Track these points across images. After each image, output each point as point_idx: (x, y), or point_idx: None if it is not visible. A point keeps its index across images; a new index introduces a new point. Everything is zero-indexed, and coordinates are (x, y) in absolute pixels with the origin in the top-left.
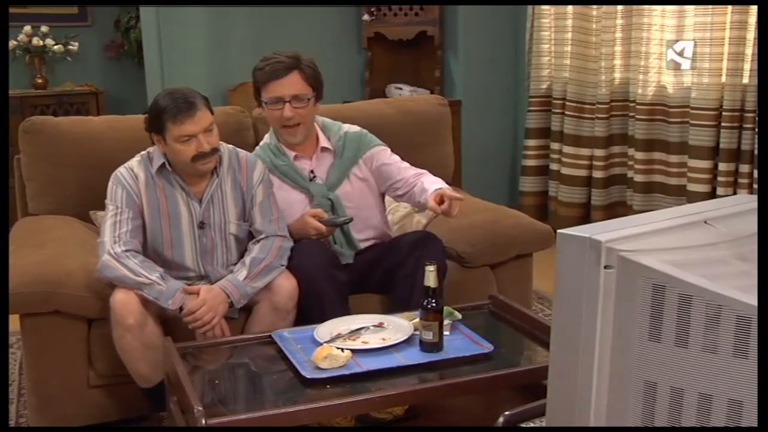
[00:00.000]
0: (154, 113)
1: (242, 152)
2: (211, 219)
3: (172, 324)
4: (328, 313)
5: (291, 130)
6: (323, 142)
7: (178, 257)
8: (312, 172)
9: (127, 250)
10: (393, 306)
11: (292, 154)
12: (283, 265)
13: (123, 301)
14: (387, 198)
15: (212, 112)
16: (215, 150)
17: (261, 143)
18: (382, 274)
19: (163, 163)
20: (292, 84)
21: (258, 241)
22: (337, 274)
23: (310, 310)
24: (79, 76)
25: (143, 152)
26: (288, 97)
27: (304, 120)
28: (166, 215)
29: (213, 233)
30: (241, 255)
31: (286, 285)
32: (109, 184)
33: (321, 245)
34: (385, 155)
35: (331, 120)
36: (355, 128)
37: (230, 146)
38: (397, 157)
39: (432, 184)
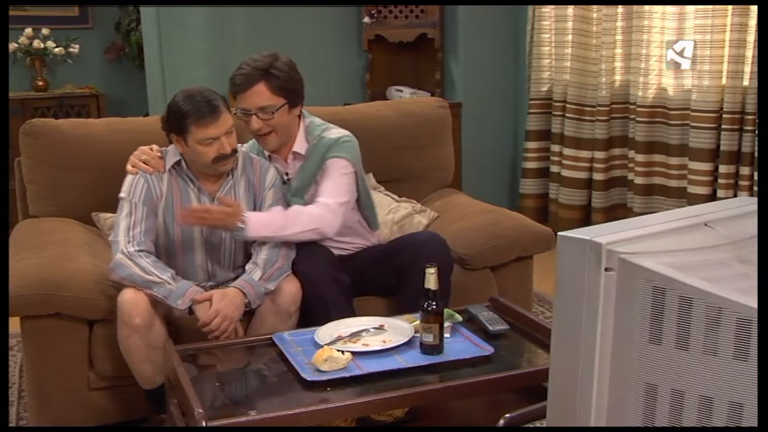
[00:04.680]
0: (176, 116)
1: (256, 157)
2: None
3: (178, 325)
4: (332, 317)
5: (263, 138)
6: (297, 145)
7: (188, 255)
8: (287, 174)
9: (140, 250)
10: (401, 309)
11: (267, 153)
12: (289, 269)
13: (131, 301)
14: (387, 198)
15: (230, 112)
16: (235, 151)
17: (248, 143)
18: (388, 275)
19: (179, 160)
20: (258, 96)
21: (264, 243)
22: (341, 277)
23: (315, 315)
24: (79, 78)
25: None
26: (254, 109)
27: (275, 128)
28: (179, 210)
29: (223, 233)
30: (246, 258)
31: (289, 288)
32: (129, 177)
33: (323, 250)
34: (330, 170)
35: (320, 121)
36: (335, 135)
37: (244, 149)
38: (338, 173)
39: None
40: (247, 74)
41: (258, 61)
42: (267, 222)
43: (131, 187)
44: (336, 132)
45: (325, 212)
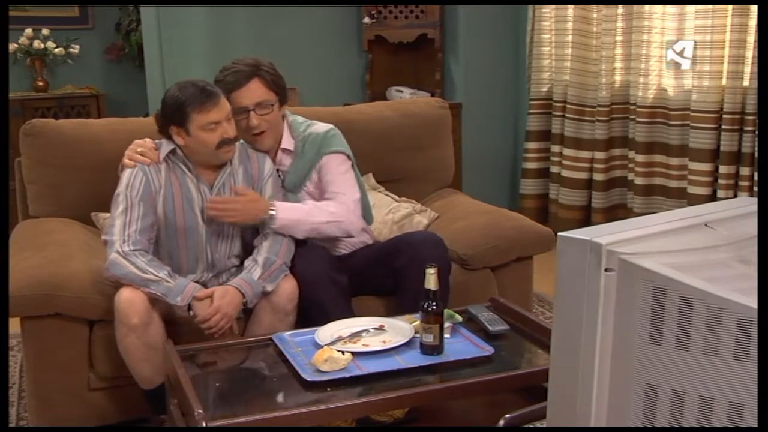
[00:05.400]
0: (175, 106)
1: (251, 149)
2: None
3: (176, 325)
4: (331, 318)
5: (259, 137)
6: (285, 142)
7: (191, 244)
8: (277, 171)
9: (135, 249)
10: (399, 309)
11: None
12: (289, 268)
13: (128, 300)
14: (387, 198)
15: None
16: (237, 137)
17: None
18: (386, 275)
19: (173, 149)
20: (254, 91)
21: (265, 237)
22: (339, 278)
23: (313, 316)
24: (79, 78)
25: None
26: (251, 105)
27: (270, 126)
28: (180, 200)
29: (220, 221)
30: (244, 248)
31: (286, 286)
32: (127, 171)
33: (321, 250)
34: (330, 166)
35: (302, 118)
36: (322, 129)
37: (240, 141)
38: (342, 169)
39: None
40: (239, 71)
41: (243, 61)
42: (295, 207)
43: (129, 181)
44: (321, 126)
45: (345, 210)
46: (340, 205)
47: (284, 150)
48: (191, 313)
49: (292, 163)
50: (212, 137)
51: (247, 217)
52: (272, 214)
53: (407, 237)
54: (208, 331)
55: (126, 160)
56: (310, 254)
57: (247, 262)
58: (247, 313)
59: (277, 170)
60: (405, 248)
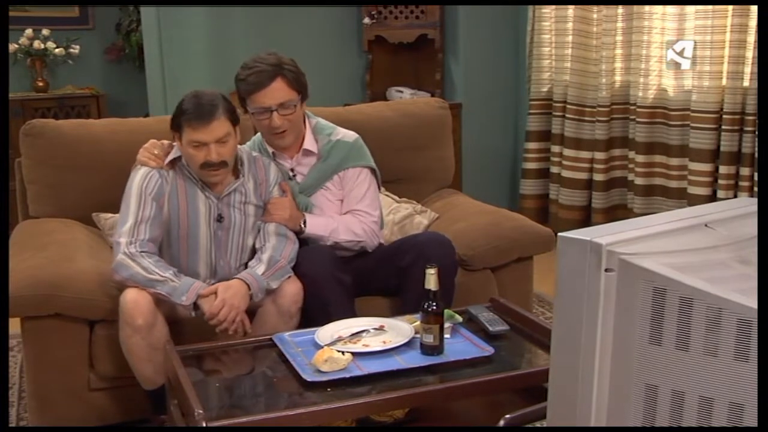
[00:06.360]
0: (177, 112)
1: (258, 155)
2: (232, 215)
3: (180, 326)
4: (333, 317)
5: (280, 136)
6: (308, 144)
7: (193, 250)
8: (293, 170)
9: (142, 251)
10: (404, 309)
11: (271, 150)
12: (291, 269)
13: (134, 301)
14: (388, 198)
15: (234, 123)
16: (224, 163)
17: (251, 140)
18: (391, 275)
19: (180, 156)
20: (277, 92)
21: (269, 239)
22: (343, 278)
23: (316, 315)
24: (80, 79)
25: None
26: (275, 106)
27: (292, 125)
28: (185, 205)
29: (231, 228)
30: (250, 257)
31: (291, 288)
32: (142, 170)
33: (325, 250)
34: (352, 179)
35: (327, 122)
36: (350, 138)
37: (246, 148)
38: (367, 185)
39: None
40: (262, 71)
41: (266, 60)
42: (321, 224)
43: (144, 180)
44: (348, 134)
45: (369, 233)
46: (365, 226)
47: (306, 151)
48: (197, 312)
49: (314, 166)
50: (197, 156)
51: (289, 221)
52: (302, 227)
53: (415, 237)
54: (219, 327)
55: (144, 159)
56: (314, 254)
57: (251, 263)
58: (251, 315)
59: (292, 170)
60: (411, 248)
